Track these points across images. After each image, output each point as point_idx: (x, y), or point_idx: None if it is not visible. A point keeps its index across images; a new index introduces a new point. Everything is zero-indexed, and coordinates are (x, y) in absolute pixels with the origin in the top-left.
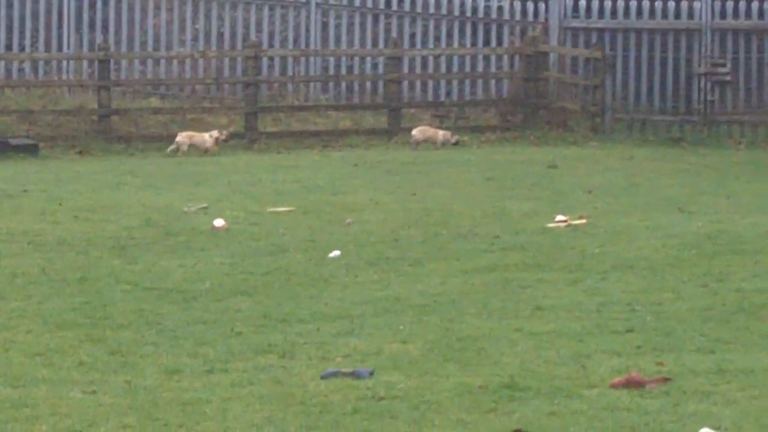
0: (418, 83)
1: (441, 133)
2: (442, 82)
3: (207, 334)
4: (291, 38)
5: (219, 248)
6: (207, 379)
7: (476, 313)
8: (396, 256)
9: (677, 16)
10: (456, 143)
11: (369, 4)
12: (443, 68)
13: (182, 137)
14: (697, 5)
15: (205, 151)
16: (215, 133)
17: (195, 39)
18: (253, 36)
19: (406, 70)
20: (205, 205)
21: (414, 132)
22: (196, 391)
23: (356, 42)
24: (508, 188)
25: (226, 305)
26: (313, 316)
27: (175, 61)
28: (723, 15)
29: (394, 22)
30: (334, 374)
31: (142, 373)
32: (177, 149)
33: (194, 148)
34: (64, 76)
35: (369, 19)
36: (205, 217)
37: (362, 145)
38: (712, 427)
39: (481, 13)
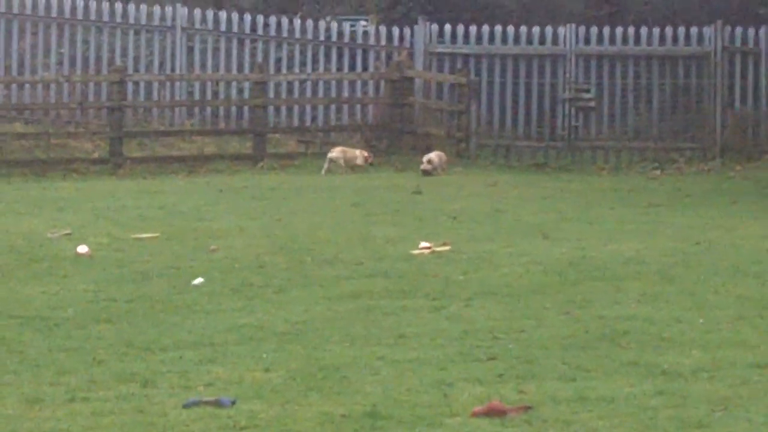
0: (283, 108)
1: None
2: (308, 107)
3: (69, 363)
4: (156, 63)
5: (82, 275)
6: (68, 408)
7: (339, 340)
8: (260, 283)
9: (542, 42)
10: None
11: (235, 28)
12: (309, 93)
13: (337, 152)
14: (561, 31)
15: (353, 168)
16: (366, 153)
17: (60, 63)
18: (118, 60)
19: (271, 95)
20: (68, 231)
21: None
22: (58, 421)
23: (222, 67)
24: (373, 214)
25: (89, 333)
26: (176, 343)
27: (39, 86)
28: (587, 41)
29: (260, 46)
30: (196, 403)
31: (2, 402)
32: (332, 163)
33: (347, 164)
34: None
35: (235, 43)
36: (69, 243)
37: (227, 171)
38: None
39: (346, 38)
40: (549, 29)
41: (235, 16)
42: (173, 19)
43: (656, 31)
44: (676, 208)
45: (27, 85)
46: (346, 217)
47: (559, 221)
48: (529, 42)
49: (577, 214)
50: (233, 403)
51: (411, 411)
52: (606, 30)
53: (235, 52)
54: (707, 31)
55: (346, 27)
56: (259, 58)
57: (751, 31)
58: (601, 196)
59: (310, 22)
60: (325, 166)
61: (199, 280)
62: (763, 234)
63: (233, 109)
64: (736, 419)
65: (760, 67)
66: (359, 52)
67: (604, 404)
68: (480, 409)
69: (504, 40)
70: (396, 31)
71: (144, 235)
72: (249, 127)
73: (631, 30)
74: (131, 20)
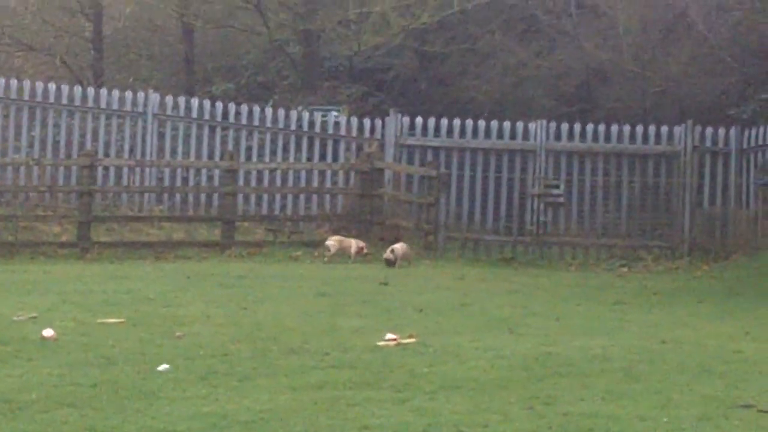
0: (253, 196)
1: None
2: (278, 196)
3: None
4: (127, 148)
5: (47, 358)
6: None
7: (303, 431)
8: (225, 371)
9: (513, 136)
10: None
11: (206, 115)
12: (279, 182)
13: (333, 241)
14: (532, 126)
15: (349, 257)
16: (361, 243)
17: (31, 146)
18: (89, 144)
19: (241, 182)
20: (34, 314)
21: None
22: None
23: (192, 153)
24: (340, 304)
25: (53, 417)
26: (140, 430)
27: (9, 168)
28: (558, 137)
29: (231, 134)
30: None
31: None
32: (329, 251)
33: (342, 253)
34: None
35: (206, 130)
36: (35, 326)
37: (195, 257)
38: None
39: (317, 128)
40: (520, 124)
41: (206, 103)
42: (145, 104)
43: (627, 128)
44: (643, 306)
45: None
46: (313, 306)
47: (525, 316)
48: (500, 136)
49: (544, 310)
50: None
51: None
52: (577, 126)
53: (206, 139)
54: (678, 130)
55: (318, 117)
56: (230, 146)
57: (721, 131)
58: (568, 291)
59: (281, 111)
60: (326, 253)
61: (164, 367)
62: (729, 334)
63: (203, 196)
64: None
65: (730, 167)
66: (330, 143)
67: None
68: None
69: (475, 134)
70: (367, 122)
71: (110, 320)
72: (218, 215)
73: (601, 127)
74: (103, 105)
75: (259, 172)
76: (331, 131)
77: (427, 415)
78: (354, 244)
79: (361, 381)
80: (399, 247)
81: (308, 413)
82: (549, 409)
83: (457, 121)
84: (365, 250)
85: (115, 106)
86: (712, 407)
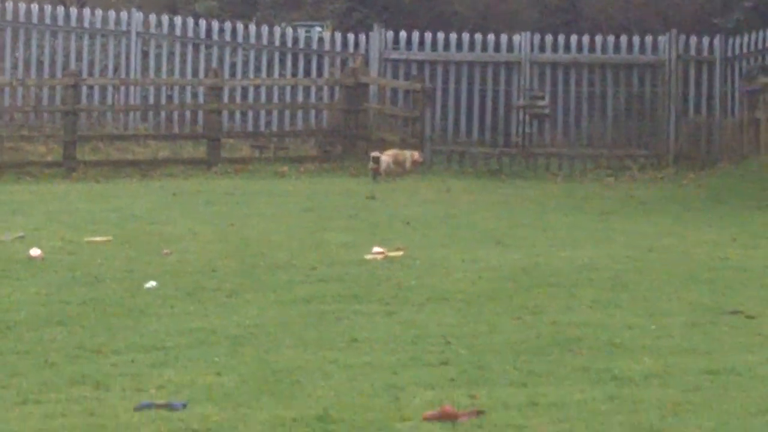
0: (238, 113)
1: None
2: (262, 113)
3: (20, 365)
4: (111, 67)
5: (35, 278)
6: (19, 411)
7: (292, 344)
8: (213, 287)
9: (497, 49)
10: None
11: (190, 33)
12: (263, 98)
13: (387, 156)
14: (516, 39)
15: (404, 170)
16: (416, 154)
17: (14, 67)
18: (73, 64)
19: (226, 99)
20: (21, 233)
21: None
22: (8, 423)
23: (176, 71)
24: (327, 219)
25: (41, 335)
26: (128, 347)
27: None
28: (542, 48)
29: (215, 51)
30: (148, 406)
31: None
32: (384, 166)
33: (397, 166)
34: None
35: (190, 48)
36: (22, 245)
37: (181, 175)
38: None
39: (302, 44)
40: (504, 37)
41: (190, 21)
42: (128, 23)
43: (611, 39)
44: (630, 216)
45: None
46: (300, 222)
47: (512, 227)
48: (484, 49)
49: (531, 221)
50: (184, 406)
51: (362, 415)
52: (561, 38)
53: (190, 56)
54: (662, 39)
55: (302, 33)
56: (214, 64)
57: (705, 40)
58: (555, 202)
59: (265, 28)
60: (382, 168)
61: (151, 284)
62: (716, 241)
63: (187, 113)
64: (687, 425)
65: (715, 76)
66: (314, 58)
67: (556, 410)
68: (431, 414)
69: (459, 47)
70: (351, 37)
71: (97, 239)
72: (203, 132)
73: (586, 38)
74: (86, 24)
75: (244, 89)
76: (315, 47)
77: (415, 327)
78: (408, 156)
79: (349, 294)
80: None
81: (297, 327)
82: (537, 318)
83: (441, 35)
84: (421, 159)
85: (98, 25)
86: (699, 314)
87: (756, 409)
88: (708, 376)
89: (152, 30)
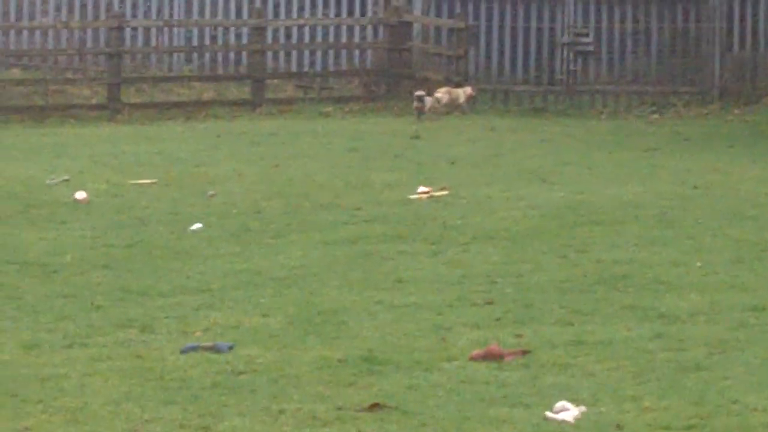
0: (282, 53)
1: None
2: (306, 53)
3: (67, 308)
4: (154, 9)
5: (80, 221)
6: (66, 354)
7: (337, 285)
8: (258, 228)
9: None
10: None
11: None
12: (307, 38)
13: (441, 93)
14: None
15: (458, 107)
16: (468, 90)
17: (58, 10)
18: (116, 6)
19: (269, 40)
20: (66, 177)
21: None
22: (55, 366)
23: (220, 12)
24: (371, 159)
25: (87, 279)
26: (174, 289)
27: (37, 32)
28: None
29: None
30: (194, 348)
31: (0, 347)
32: (438, 103)
33: (451, 103)
34: None
35: None
36: (67, 189)
37: (226, 116)
38: (570, 399)
39: None
40: None
41: None
42: None
43: None
44: (675, 152)
45: (25, 32)
46: (344, 162)
47: (557, 165)
48: None
49: (576, 159)
50: (231, 348)
51: (408, 355)
52: None
53: None
54: None
55: None
56: (258, 3)
57: None
58: (599, 140)
59: None
60: (436, 105)
61: (197, 226)
62: (761, 177)
63: (231, 54)
64: (734, 362)
65: (759, 10)
66: None
67: (602, 348)
68: (477, 353)
69: None
70: None
71: (142, 181)
72: (247, 73)
73: None
74: None
75: (288, 29)
76: None
77: (460, 267)
78: (461, 93)
79: (394, 234)
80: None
81: (341, 268)
82: (582, 257)
83: None
84: (474, 93)
85: None
86: (744, 250)
87: None
88: (753, 313)
89: None
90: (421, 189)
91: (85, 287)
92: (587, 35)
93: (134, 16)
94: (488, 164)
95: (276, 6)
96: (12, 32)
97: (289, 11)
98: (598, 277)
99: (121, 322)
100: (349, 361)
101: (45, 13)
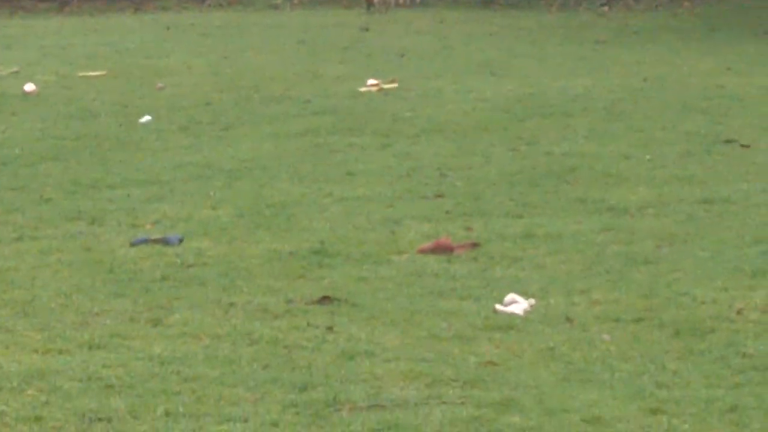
0: None
1: None
2: None
3: (16, 201)
4: None
5: (29, 113)
6: (16, 247)
7: (287, 178)
8: (207, 121)
9: None
10: None
11: None
12: None
13: None
14: None
15: None
16: None
17: None
18: None
19: None
20: (15, 68)
21: None
22: (5, 259)
23: None
24: (321, 51)
25: (36, 171)
26: (124, 181)
27: None
28: None
29: None
30: (144, 241)
31: None
32: None
33: None
34: None
35: None
36: (16, 81)
37: (175, 8)
38: (519, 292)
39: None
40: None
41: None
42: None
43: None
44: (624, 45)
45: None
46: (294, 54)
47: (507, 58)
48: None
49: (526, 51)
50: (181, 240)
51: (358, 248)
52: None
53: None
54: None
55: None
56: None
57: None
58: (549, 32)
59: None
60: None
61: (146, 118)
62: (711, 70)
63: None
64: (683, 254)
65: None
66: None
67: (551, 240)
68: (427, 246)
69: None
70: None
71: (91, 73)
72: None
73: None
74: None
75: None
76: None
77: (410, 159)
78: None
79: (344, 127)
80: None
81: (292, 160)
82: (532, 149)
83: None
84: None
85: None
86: (694, 143)
87: (750, 238)
88: (703, 206)
89: None
90: (371, 81)
91: (34, 179)
92: None
93: None
94: (438, 57)
95: None
96: None
97: None
98: (548, 170)
99: (70, 214)
100: (299, 253)
101: None
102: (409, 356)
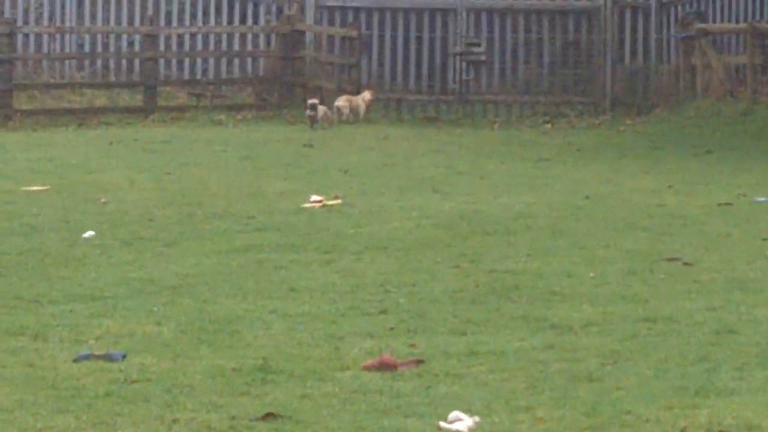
0: (174, 61)
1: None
2: (199, 61)
3: None
4: (46, 15)
5: None
6: None
7: (230, 294)
8: (150, 237)
9: None
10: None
11: None
12: (199, 46)
13: (342, 101)
14: None
15: (359, 115)
16: (368, 96)
17: None
18: (7, 12)
19: (162, 47)
20: None
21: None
22: None
23: (112, 19)
24: (264, 167)
25: None
26: (66, 297)
27: None
28: None
29: None
30: (87, 357)
31: None
32: (342, 113)
33: (352, 112)
34: None
35: None
36: None
37: (118, 123)
38: (463, 409)
39: None
40: None
41: None
42: None
43: None
44: (567, 162)
45: None
46: (237, 170)
47: (450, 175)
48: None
49: (468, 168)
50: (124, 356)
51: (302, 364)
52: None
53: (125, 4)
54: None
55: None
56: (150, 11)
57: None
58: (491, 150)
59: None
60: (339, 116)
61: (89, 234)
62: (653, 188)
63: (124, 62)
64: (626, 373)
65: (650, 22)
66: (250, 6)
67: (495, 358)
68: (371, 363)
69: None
70: None
71: (34, 188)
72: (140, 80)
73: None
74: None
75: (180, 37)
76: None
77: (353, 276)
78: (361, 99)
79: (287, 243)
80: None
81: (235, 276)
82: (475, 267)
83: None
84: (374, 97)
85: None
86: (637, 261)
87: (694, 356)
88: (646, 324)
89: None
90: (314, 198)
91: None
92: (479, 45)
93: (26, 22)
94: (381, 173)
95: (168, 13)
96: None
97: (181, 19)
98: (491, 288)
99: (12, 329)
100: (242, 370)
101: None
102: None
